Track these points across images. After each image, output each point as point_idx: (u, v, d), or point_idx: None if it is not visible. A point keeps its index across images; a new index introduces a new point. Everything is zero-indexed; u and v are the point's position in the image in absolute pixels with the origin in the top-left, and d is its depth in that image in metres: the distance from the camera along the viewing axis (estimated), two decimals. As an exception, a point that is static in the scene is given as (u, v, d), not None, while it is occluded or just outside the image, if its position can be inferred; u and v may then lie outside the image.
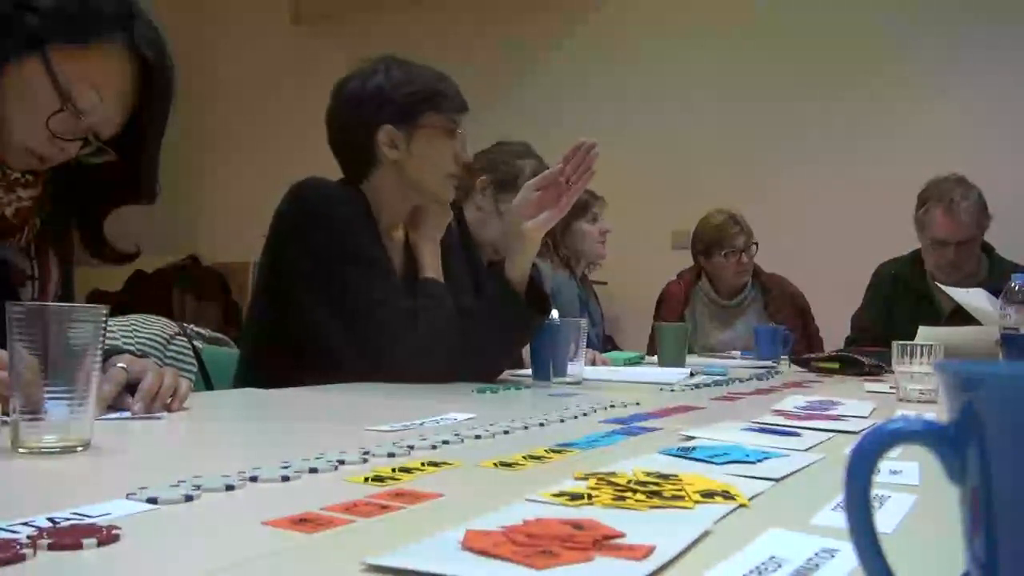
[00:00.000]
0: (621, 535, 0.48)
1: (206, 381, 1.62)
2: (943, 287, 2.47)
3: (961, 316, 2.47)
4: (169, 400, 1.02)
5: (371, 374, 1.48)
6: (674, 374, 1.77)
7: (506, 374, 1.77)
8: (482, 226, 2.24)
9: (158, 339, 1.57)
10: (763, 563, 0.44)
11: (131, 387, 1.00)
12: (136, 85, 1.11)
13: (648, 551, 0.45)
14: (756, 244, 3.17)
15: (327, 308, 1.52)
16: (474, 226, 2.22)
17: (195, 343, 1.64)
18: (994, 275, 2.64)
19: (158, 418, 0.98)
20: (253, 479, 0.63)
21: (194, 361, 1.61)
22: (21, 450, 0.73)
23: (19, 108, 1.05)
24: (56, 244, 1.21)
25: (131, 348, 1.35)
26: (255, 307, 1.67)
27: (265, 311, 1.63)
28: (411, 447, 0.78)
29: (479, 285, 2.12)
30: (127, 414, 0.97)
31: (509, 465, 0.72)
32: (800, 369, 2.16)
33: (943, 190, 2.75)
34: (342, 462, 0.70)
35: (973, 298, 2.28)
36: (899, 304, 2.87)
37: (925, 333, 2.30)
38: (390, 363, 1.48)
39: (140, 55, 1.10)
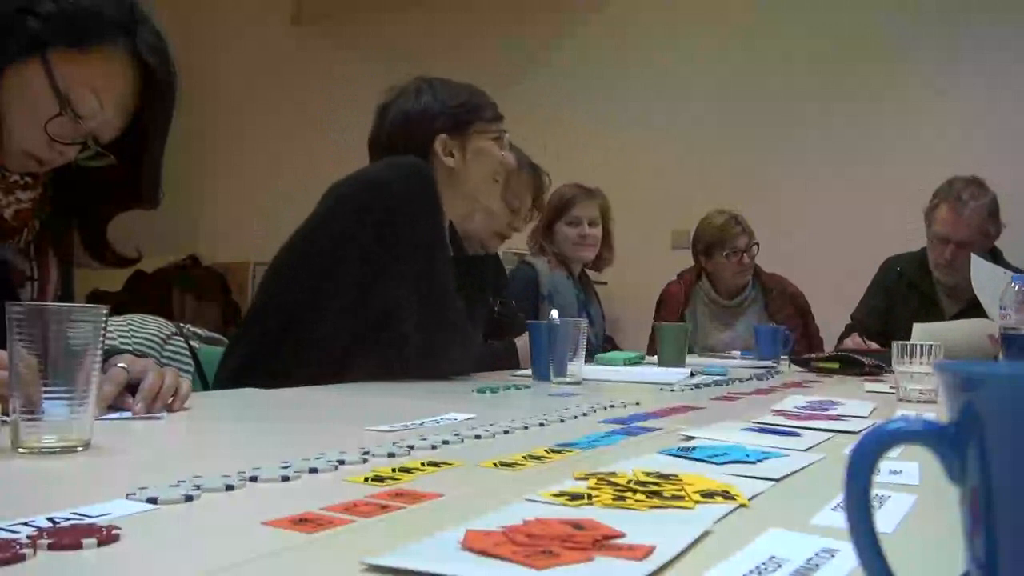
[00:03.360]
0: (621, 535, 0.48)
1: (203, 381, 1.61)
2: (975, 259, 2.32)
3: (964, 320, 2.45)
4: (170, 400, 1.02)
5: (426, 364, 1.54)
6: (674, 374, 1.77)
7: (506, 374, 1.77)
8: (469, 220, 2.27)
9: (155, 339, 1.57)
10: (763, 563, 0.44)
11: (131, 387, 1.00)
12: (137, 90, 1.11)
13: (648, 551, 0.45)
14: (757, 244, 3.17)
15: (414, 291, 1.54)
16: (461, 221, 2.25)
17: (191, 343, 1.64)
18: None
19: (158, 418, 0.98)
20: (253, 479, 0.63)
21: (191, 361, 1.61)
22: (21, 450, 0.73)
23: (18, 111, 1.05)
24: (56, 245, 1.21)
25: (129, 348, 1.35)
26: (294, 281, 1.56)
27: (317, 286, 1.54)
28: (411, 447, 0.78)
29: None
30: (128, 414, 0.97)
31: (509, 465, 0.72)
32: (800, 369, 2.16)
33: (956, 188, 2.72)
34: (342, 462, 0.70)
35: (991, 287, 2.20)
36: (902, 303, 2.85)
37: (919, 330, 2.29)
38: (454, 350, 1.59)
39: (142, 61, 1.09)
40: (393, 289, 1.53)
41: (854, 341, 2.72)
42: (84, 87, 1.05)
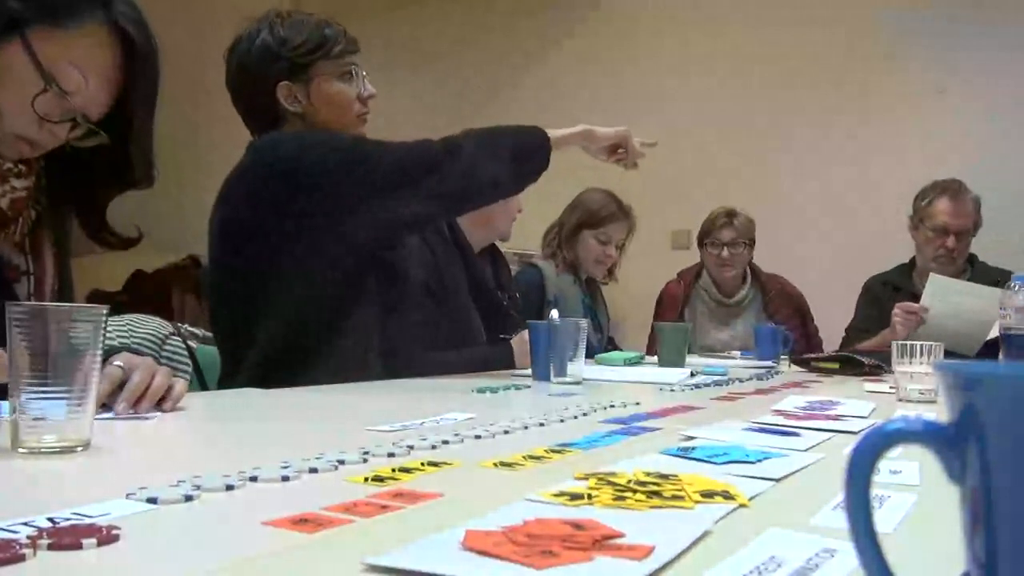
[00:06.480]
0: (621, 535, 0.48)
1: (200, 381, 1.62)
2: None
3: None
4: (160, 400, 1.01)
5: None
6: (674, 374, 1.77)
7: (506, 374, 1.77)
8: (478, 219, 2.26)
9: (153, 339, 1.57)
10: (763, 563, 0.44)
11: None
12: (120, 63, 1.11)
13: (648, 551, 0.45)
14: (748, 243, 3.15)
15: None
16: (468, 221, 2.23)
17: (189, 343, 1.64)
18: (976, 281, 2.68)
19: (146, 418, 0.97)
20: (253, 479, 0.63)
21: (189, 361, 1.61)
22: (21, 450, 0.73)
23: (4, 93, 1.06)
24: (52, 237, 1.21)
25: (128, 346, 1.35)
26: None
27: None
28: (411, 447, 0.78)
29: (472, 279, 2.14)
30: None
31: (509, 465, 0.72)
32: (800, 369, 2.16)
33: (946, 184, 2.83)
34: (342, 462, 0.70)
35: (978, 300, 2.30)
36: (892, 307, 2.87)
37: (935, 280, 2.48)
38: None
39: (122, 34, 1.10)
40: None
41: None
42: (66, 62, 1.06)
